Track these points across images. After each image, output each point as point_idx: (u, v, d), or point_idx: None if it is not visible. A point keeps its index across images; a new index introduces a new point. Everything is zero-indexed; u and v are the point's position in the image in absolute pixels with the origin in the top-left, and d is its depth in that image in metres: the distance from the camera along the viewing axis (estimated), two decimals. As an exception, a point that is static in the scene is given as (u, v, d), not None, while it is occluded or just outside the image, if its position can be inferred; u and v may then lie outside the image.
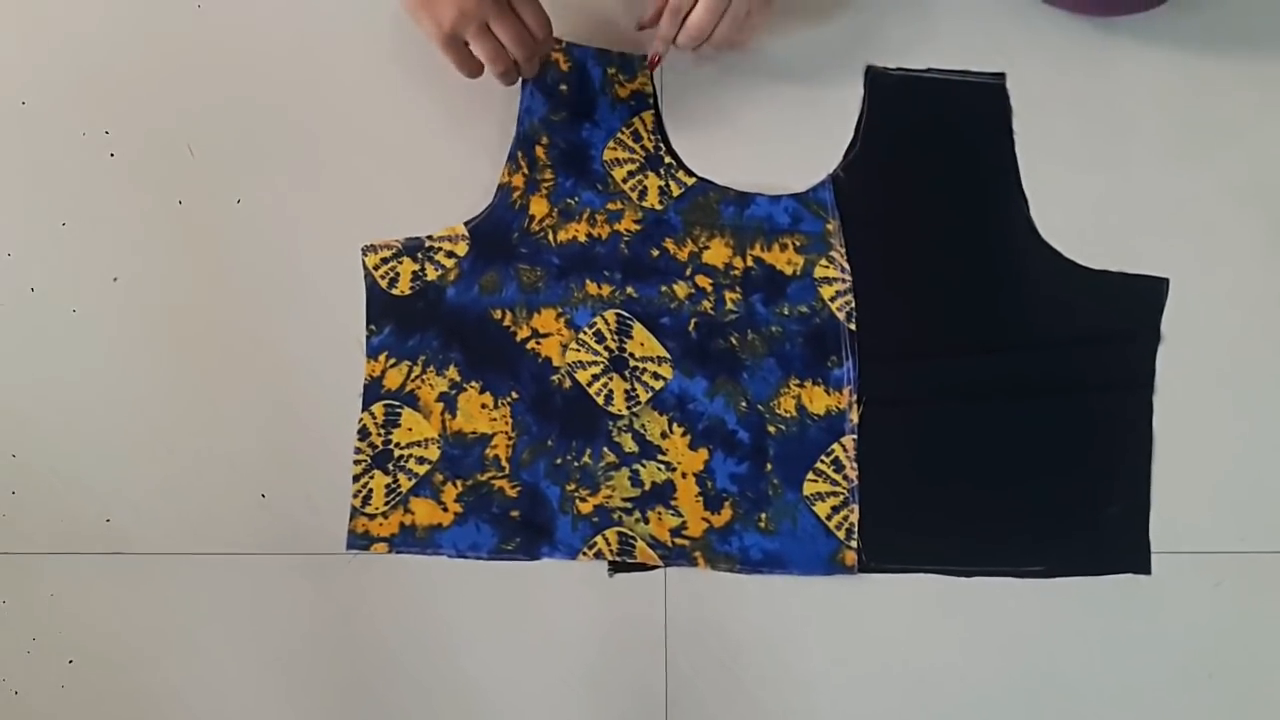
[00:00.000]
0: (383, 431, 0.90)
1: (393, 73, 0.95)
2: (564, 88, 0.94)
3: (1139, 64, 0.95)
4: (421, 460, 0.90)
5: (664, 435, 0.90)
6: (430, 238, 0.92)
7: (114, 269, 0.93)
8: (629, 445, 0.90)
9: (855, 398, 0.90)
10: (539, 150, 0.93)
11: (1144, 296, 0.91)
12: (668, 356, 0.91)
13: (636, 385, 0.90)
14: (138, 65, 0.96)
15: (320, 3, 0.97)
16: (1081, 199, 0.93)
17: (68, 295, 0.93)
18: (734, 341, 0.91)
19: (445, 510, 0.89)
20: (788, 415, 0.90)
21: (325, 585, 0.89)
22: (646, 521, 0.89)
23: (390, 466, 0.90)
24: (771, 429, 0.90)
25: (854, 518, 0.88)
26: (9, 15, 0.96)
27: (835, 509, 0.88)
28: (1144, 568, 0.89)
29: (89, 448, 0.91)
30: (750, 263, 0.92)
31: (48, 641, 0.90)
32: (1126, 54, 0.96)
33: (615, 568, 0.89)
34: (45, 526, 0.91)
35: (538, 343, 0.91)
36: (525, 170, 0.93)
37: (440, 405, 0.90)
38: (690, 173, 0.94)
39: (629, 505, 0.89)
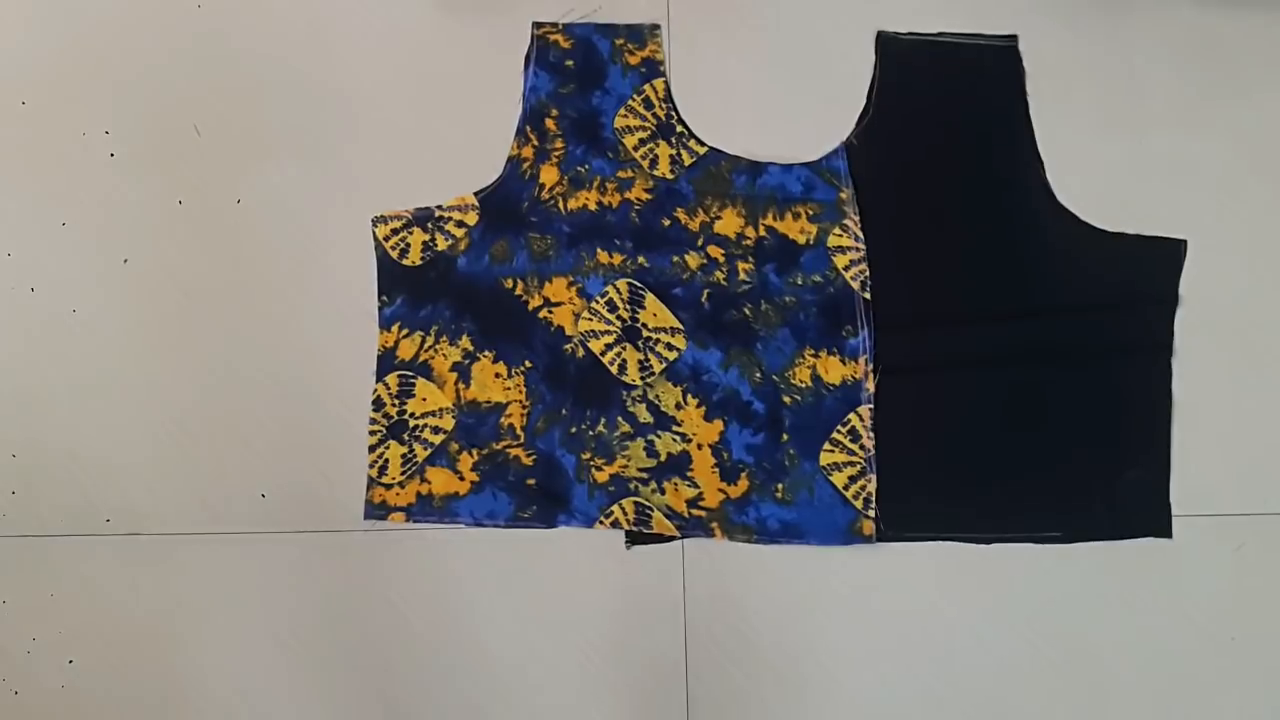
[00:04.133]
0: (397, 402, 0.89)
1: (398, 53, 0.95)
2: (570, 63, 0.94)
3: (1152, 23, 0.95)
4: (437, 430, 0.89)
5: (679, 406, 0.89)
6: (440, 207, 0.92)
7: (117, 263, 0.92)
8: (643, 416, 0.89)
9: (871, 367, 0.89)
10: (549, 122, 0.93)
11: (1162, 259, 0.91)
12: (681, 327, 0.90)
13: (650, 356, 0.90)
14: (138, 65, 0.95)
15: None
16: (1097, 161, 0.92)
17: (68, 295, 0.92)
18: (747, 312, 0.90)
19: (462, 479, 0.88)
20: (803, 385, 0.89)
21: (342, 562, 0.89)
22: (663, 492, 0.88)
23: (405, 436, 0.89)
24: (787, 399, 0.89)
25: (871, 487, 0.88)
26: (9, 15, 0.96)
27: (852, 479, 0.88)
28: (1165, 531, 0.88)
29: (93, 441, 0.91)
30: (763, 232, 0.91)
31: (48, 641, 0.89)
32: (1139, 13, 0.95)
33: (632, 540, 0.88)
34: (46, 525, 0.90)
35: (550, 311, 0.90)
36: (535, 142, 0.93)
37: (454, 375, 0.90)
38: (701, 142, 0.93)
39: (645, 476, 0.88)
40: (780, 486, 0.88)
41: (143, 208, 0.93)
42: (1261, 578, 0.88)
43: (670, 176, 0.92)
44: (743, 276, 0.91)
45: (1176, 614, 0.88)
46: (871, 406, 0.89)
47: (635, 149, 0.93)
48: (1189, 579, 0.88)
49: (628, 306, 0.90)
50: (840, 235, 0.91)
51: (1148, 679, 0.88)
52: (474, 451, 0.89)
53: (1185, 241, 0.91)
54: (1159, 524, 0.89)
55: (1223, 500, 0.89)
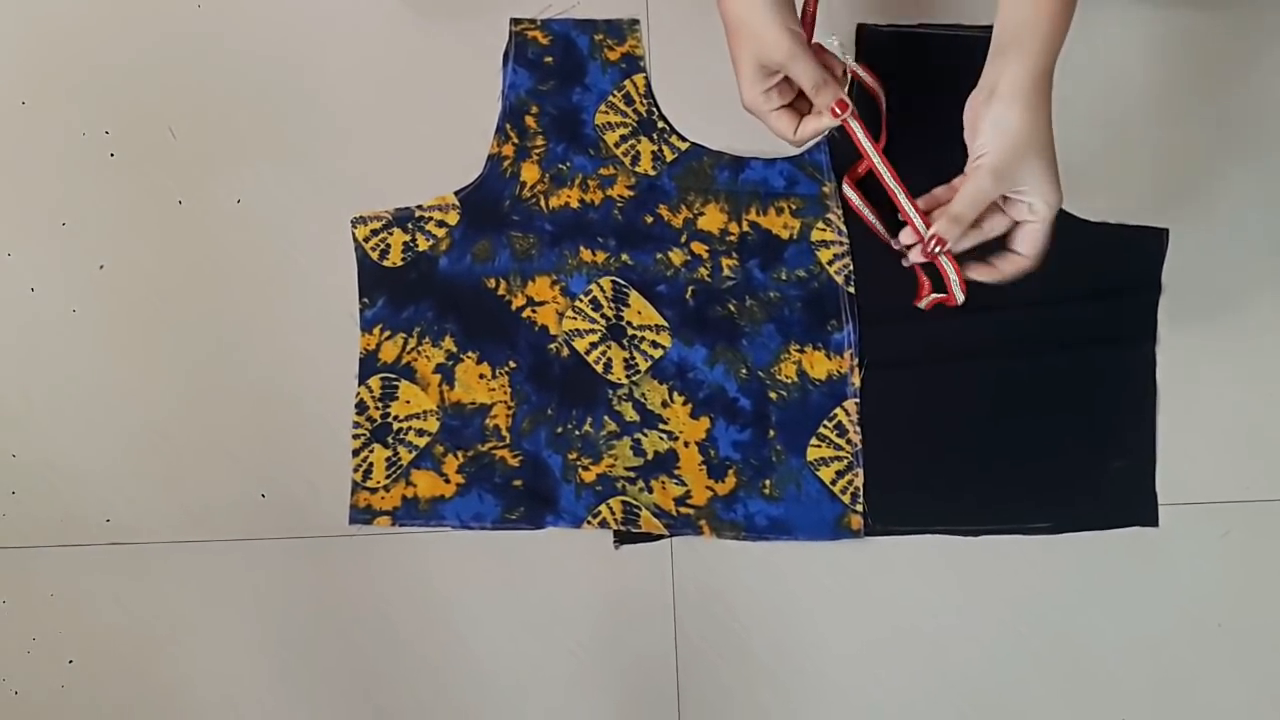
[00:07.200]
0: (380, 405, 0.89)
1: (375, 52, 0.94)
2: (549, 59, 0.93)
3: (1128, 14, 0.95)
4: (421, 432, 0.88)
5: (665, 404, 0.89)
6: (420, 207, 0.91)
7: (112, 266, 0.91)
8: (630, 414, 0.88)
9: (856, 361, 0.89)
10: (529, 120, 0.92)
11: (1144, 248, 0.91)
12: (666, 324, 0.89)
13: (635, 354, 0.89)
14: (138, 65, 0.94)
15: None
16: (1077, 152, 0.92)
17: (67, 295, 0.91)
18: (732, 308, 0.90)
19: (447, 481, 0.88)
20: (789, 381, 0.89)
21: (327, 568, 0.88)
22: (650, 491, 0.88)
23: (390, 439, 0.88)
24: (773, 395, 0.89)
25: (859, 481, 0.88)
26: (9, 15, 0.94)
27: (840, 473, 0.88)
28: (1151, 520, 0.89)
29: (89, 445, 0.90)
30: (746, 228, 0.91)
31: (48, 641, 0.89)
32: (1116, 4, 0.95)
33: (621, 539, 0.88)
34: (46, 524, 0.89)
35: (533, 311, 0.90)
36: (515, 140, 0.92)
37: (438, 376, 0.89)
38: (683, 137, 0.92)
39: (632, 475, 0.88)
40: (768, 483, 0.88)
41: (142, 207, 0.92)
42: (1247, 564, 0.89)
43: (652, 173, 0.92)
44: (727, 273, 0.90)
45: (1164, 601, 0.89)
46: (858, 401, 0.88)
47: (616, 145, 0.92)
48: (1176, 567, 0.89)
49: (612, 304, 0.90)
50: (824, 230, 0.91)
51: (1137, 666, 0.88)
52: (459, 453, 0.88)
53: (1167, 230, 0.91)
54: (1145, 512, 0.89)
55: (1208, 488, 0.90)
